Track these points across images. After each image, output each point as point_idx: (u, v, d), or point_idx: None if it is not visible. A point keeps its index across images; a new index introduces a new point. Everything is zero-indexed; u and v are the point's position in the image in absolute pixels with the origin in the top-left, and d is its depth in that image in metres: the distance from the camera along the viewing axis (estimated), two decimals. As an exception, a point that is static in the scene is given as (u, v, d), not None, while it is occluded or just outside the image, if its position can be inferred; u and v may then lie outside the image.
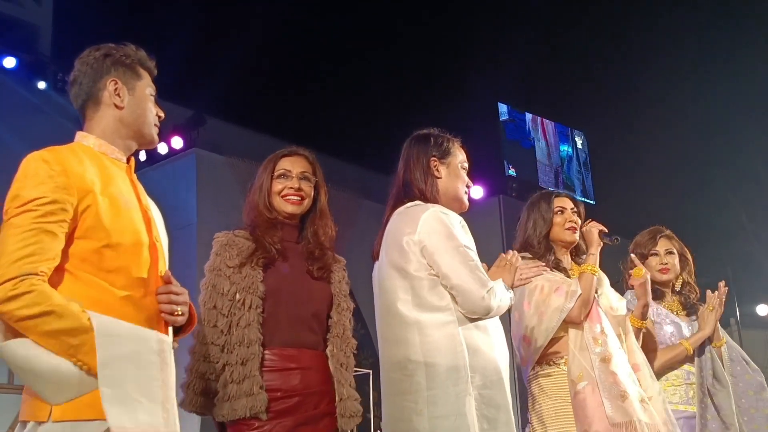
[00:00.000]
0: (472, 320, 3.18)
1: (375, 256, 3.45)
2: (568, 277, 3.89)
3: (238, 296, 3.04)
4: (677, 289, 4.46)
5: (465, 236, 3.26)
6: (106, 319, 2.27)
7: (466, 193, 3.49)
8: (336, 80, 13.19)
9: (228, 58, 11.28)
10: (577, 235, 3.99)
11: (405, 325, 3.18)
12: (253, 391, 2.95)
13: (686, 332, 4.33)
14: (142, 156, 10.32)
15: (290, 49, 12.71)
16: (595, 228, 3.90)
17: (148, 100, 2.63)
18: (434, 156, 3.43)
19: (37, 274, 2.21)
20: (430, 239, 3.19)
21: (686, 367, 4.30)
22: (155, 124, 2.65)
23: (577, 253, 4.06)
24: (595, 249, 3.86)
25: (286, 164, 3.29)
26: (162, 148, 10.87)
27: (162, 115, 2.69)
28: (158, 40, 10.78)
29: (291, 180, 3.24)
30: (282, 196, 3.22)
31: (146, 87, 2.64)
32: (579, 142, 15.06)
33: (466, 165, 3.51)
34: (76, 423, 2.23)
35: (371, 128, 12.85)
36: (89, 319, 2.22)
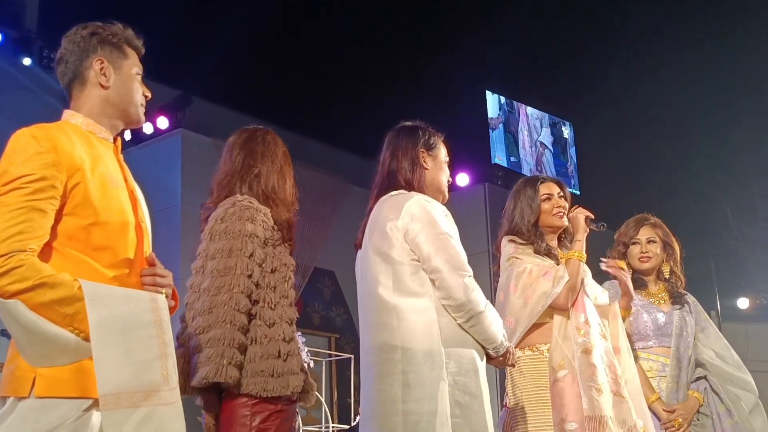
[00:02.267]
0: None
1: (358, 245, 3.50)
2: (558, 263, 3.90)
3: (278, 271, 3.06)
4: (666, 276, 4.46)
5: (448, 224, 3.31)
6: (96, 284, 2.28)
7: (447, 186, 3.57)
8: (324, 64, 13.14)
9: (215, 39, 11.23)
10: (565, 220, 4.00)
11: (385, 309, 3.23)
12: (295, 370, 3.00)
13: (662, 321, 4.33)
14: (127, 135, 10.28)
15: (278, 32, 12.65)
16: (581, 214, 3.91)
17: (134, 79, 2.61)
18: (422, 148, 3.49)
19: (26, 251, 2.22)
20: (413, 225, 3.24)
21: (661, 359, 4.31)
22: (141, 104, 2.64)
23: (565, 236, 4.06)
24: (582, 235, 3.88)
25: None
26: (147, 128, 10.81)
27: (149, 95, 2.67)
28: (145, 19, 10.69)
29: None
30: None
31: (133, 66, 2.62)
32: (566, 131, 15.07)
33: (447, 159, 3.59)
34: (58, 400, 2.23)
35: (359, 113, 12.82)
36: (80, 287, 2.22)
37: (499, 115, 14.00)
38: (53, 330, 2.20)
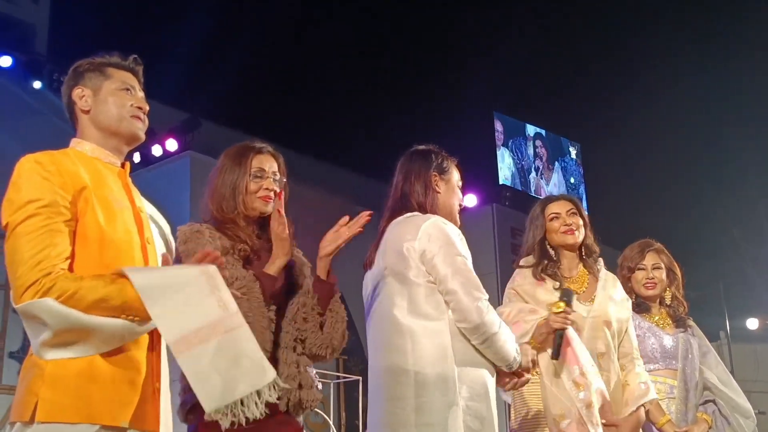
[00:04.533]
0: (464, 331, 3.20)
1: (368, 265, 3.47)
2: (561, 282, 3.86)
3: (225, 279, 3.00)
4: (667, 302, 4.46)
5: (463, 247, 3.30)
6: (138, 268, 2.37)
7: (458, 211, 3.57)
8: (331, 86, 13.20)
9: (225, 62, 11.31)
10: (578, 235, 3.97)
11: (399, 331, 3.21)
12: None
13: (668, 344, 4.33)
14: (137, 158, 10.33)
15: (287, 55, 12.73)
16: (557, 324, 3.63)
17: (115, 94, 2.63)
18: (435, 172, 3.49)
19: (56, 272, 2.26)
20: (430, 245, 3.23)
21: (669, 381, 4.30)
22: (133, 116, 2.63)
23: (587, 253, 4.02)
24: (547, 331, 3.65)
25: (260, 163, 3.24)
26: (156, 150, 10.85)
27: (144, 106, 2.66)
28: (155, 43, 10.79)
29: (266, 180, 3.20)
30: (259, 196, 3.18)
31: (114, 83, 2.64)
32: (573, 152, 15.09)
33: (460, 183, 3.60)
34: (61, 425, 2.23)
35: (366, 134, 12.87)
36: (119, 273, 2.28)
37: (506, 136, 14.02)
38: (96, 320, 2.25)
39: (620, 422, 3.68)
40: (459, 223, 3.52)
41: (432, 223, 3.30)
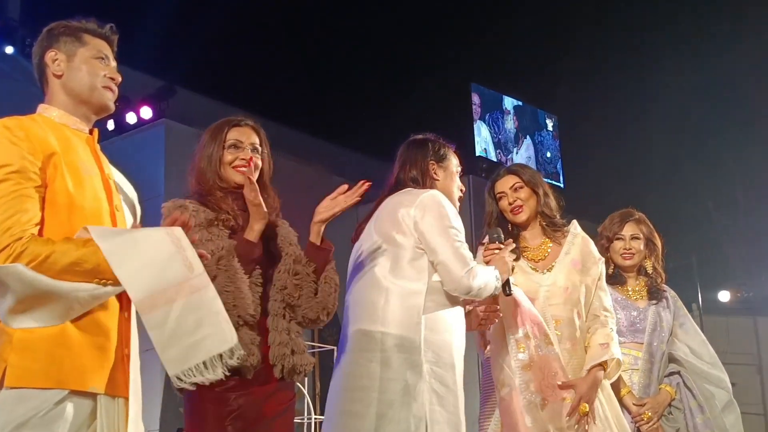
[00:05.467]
0: (446, 301, 3.29)
1: (355, 239, 3.54)
2: (518, 255, 3.85)
3: (212, 252, 2.98)
4: (649, 272, 4.46)
5: (456, 221, 3.37)
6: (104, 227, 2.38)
7: (458, 197, 3.62)
8: (307, 54, 13.11)
9: (199, 30, 11.18)
10: (526, 210, 3.91)
11: (376, 288, 3.29)
12: None
13: (637, 318, 4.34)
14: (111, 125, 10.24)
15: (263, 22, 12.61)
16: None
17: (89, 63, 2.60)
18: (432, 160, 3.55)
19: (26, 237, 2.25)
20: (424, 215, 3.31)
21: (634, 353, 4.32)
22: (105, 86, 2.62)
23: (547, 221, 3.94)
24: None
25: (237, 135, 3.26)
26: (131, 118, 10.74)
27: (117, 77, 2.65)
28: (130, 10, 10.67)
29: (243, 151, 3.22)
30: (234, 167, 3.21)
31: (89, 51, 2.62)
32: (550, 125, 15.10)
33: (459, 169, 3.65)
34: (30, 390, 2.23)
35: (342, 104, 12.81)
36: (89, 241, 2.27)
37: (483, 109, 14.00)
38: (66, 286, 2.24)
39: (576, 382, 3.64)
40: (458, 207, 3.55)
41: (430, 194, 3.37)
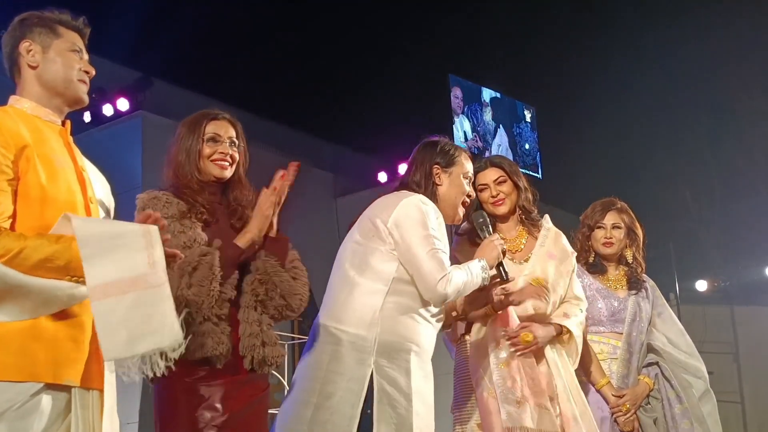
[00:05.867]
0: (411, 305, 3.28)
1: (349, 229, 3.53)
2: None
3: (183, 243, 2.99)
4: (629, 261, 4.48)
5: (437, 226, 3.35)
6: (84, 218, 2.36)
7: (463, 203, 3.57)
8: (285, 48, 13.06)
9: (178, 20, 11.11)
10: (508, 203, 3.92)
11: (343, 282, 3.33)
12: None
13: (617, 307, 4.36)
14: (87, 117, 10.16)
15: (242, 14, 12.55)
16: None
17: (65, 56, 2.59)
18: (437, 163, 3.52)
19: None
20: (403, 223, 3.29)
21: (612, 342, 4.35)
22: (79, 80, 2.61)
23: (525, 215, 3.95)
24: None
25: (215, 128, 3.26)
26: (108, 110, 10.65)
27: (91, 71, 2.65)
28: (107, 1, 10.58)
29: (221, 145, 3.23)
30: (212, 160, 3.21)
31: (64, 43, 2.60)
32: (528, 116, 15.13)
33: (470, 175, 3.61)
34: (4, 384, 2.22)
35: (322, 96, 12.77)
36: (63, 238, 2.24)
37: (461, 99, 14.01)
38: (36, 282, 2.20)
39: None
40: (460, 218, 3.56)
41: (409, 201, 3.35)
